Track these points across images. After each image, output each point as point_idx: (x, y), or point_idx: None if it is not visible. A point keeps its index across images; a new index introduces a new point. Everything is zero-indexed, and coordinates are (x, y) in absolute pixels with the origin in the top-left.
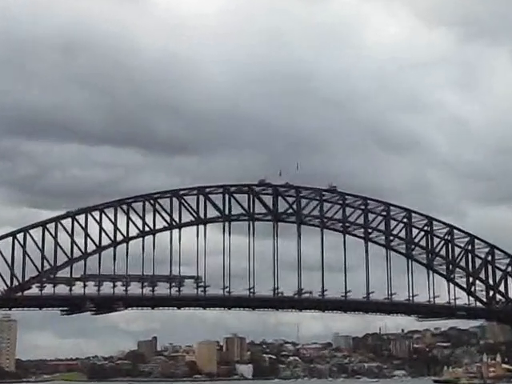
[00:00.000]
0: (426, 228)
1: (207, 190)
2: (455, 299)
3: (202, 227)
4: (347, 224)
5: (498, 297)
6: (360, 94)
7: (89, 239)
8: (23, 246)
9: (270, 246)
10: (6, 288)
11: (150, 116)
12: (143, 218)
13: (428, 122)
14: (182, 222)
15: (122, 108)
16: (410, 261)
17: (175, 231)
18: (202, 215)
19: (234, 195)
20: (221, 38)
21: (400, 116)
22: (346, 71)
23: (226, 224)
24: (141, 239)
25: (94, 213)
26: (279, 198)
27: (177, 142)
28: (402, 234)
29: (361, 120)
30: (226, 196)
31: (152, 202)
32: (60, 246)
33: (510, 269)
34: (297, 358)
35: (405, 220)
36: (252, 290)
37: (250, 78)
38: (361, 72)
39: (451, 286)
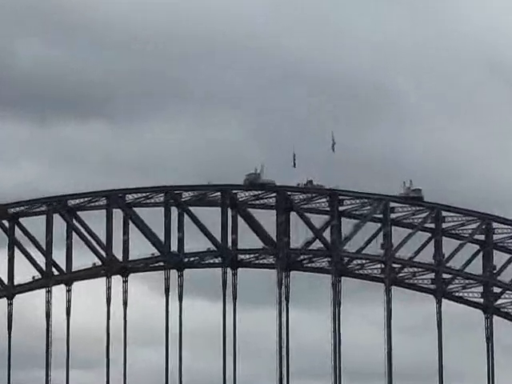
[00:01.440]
0: None
1: (126, 197)
2: None
3: (115, 281)
4: (446, 276)
5: None
6: None
7: None
8: None
9: (272, 323)
10: None
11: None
12: None
13: None
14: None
15: None
16: None
17: (39, 294)
18: (103, 253)
19: (190, 209)
20: None
21: None
22: None
23: (173, 274)
24: None
25: None
26: (292, 215)
27: (58, 92)
28: None
29: (467, 45)
30: (174, 210)
31: None
32: None
33: None
34: None
35: None
36: None
37: None
38: None
39: None
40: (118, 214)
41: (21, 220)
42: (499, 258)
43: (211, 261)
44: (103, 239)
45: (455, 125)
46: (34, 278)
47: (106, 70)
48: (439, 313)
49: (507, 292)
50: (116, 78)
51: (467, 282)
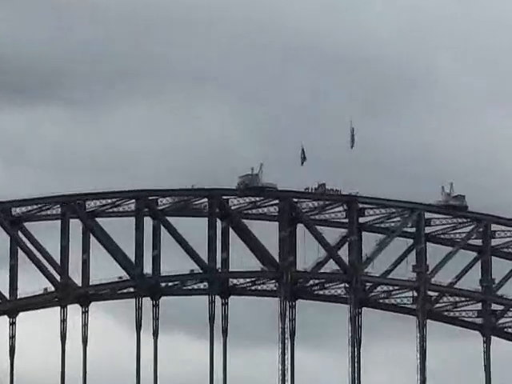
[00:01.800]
0: None
1: (87, 204)
2: None
3: (73, 311)
4: (496, 307)
5: None
6: None
7: None
8: None
9: (273, 366)
10: None
11: None
12: None
13: None
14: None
15: None
16: None
17: None
18: (56, 276)
19: (169, 220)
20: None
21: None
22: None
23: (146, 303)
24: None
25: None
26: (299, 228)
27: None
28: None
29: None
30: (148, 221)
31: None
32: None
33: None
34: None
35: None
36: None
37: None
38: None
39: None
40: (76, 226)
41: None
42: None
43: (195, 286)
44: (57, 258)
45: (506, 115)
46: None
47: (61, 43)
48: (487, 353)
49: None
50: (76, 54)
51: None
